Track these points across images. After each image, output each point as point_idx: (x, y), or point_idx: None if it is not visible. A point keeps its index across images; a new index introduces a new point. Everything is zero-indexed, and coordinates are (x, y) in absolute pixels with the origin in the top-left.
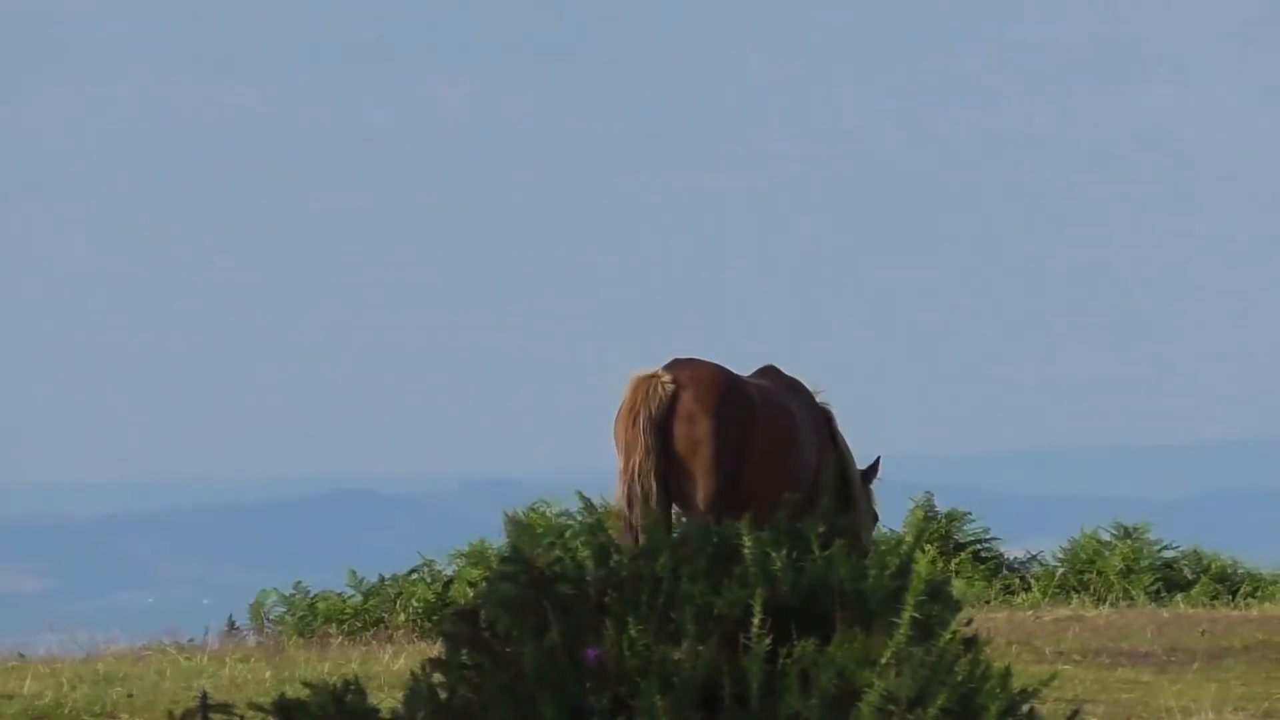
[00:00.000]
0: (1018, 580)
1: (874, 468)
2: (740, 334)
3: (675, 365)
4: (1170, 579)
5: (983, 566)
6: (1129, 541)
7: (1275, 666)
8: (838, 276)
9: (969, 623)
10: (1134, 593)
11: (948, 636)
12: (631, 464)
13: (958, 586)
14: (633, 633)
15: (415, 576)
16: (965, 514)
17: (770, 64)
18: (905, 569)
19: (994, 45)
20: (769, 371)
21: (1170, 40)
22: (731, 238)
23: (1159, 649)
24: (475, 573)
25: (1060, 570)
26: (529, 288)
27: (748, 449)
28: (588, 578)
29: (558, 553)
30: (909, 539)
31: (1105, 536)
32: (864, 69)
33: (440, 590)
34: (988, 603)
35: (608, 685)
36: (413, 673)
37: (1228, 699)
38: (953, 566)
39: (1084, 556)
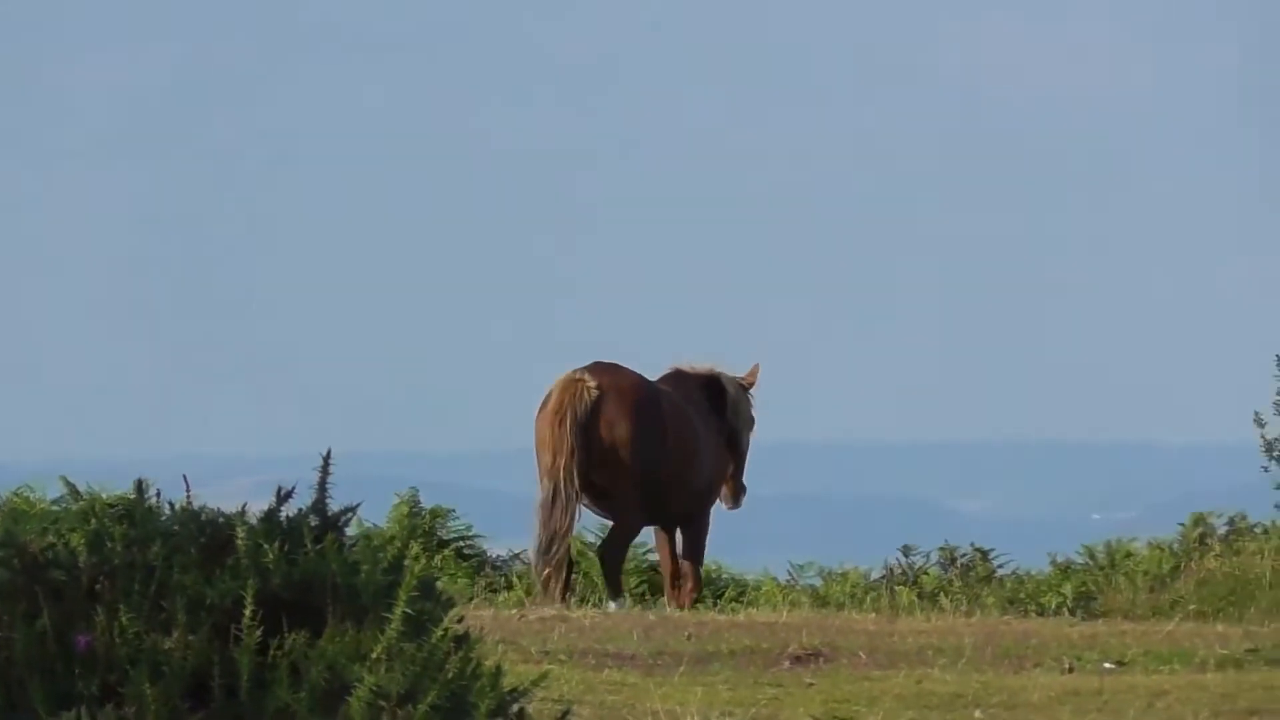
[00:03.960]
0: (501, 579)
1: (751, 374)
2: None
3: (598, 370)
4: (654, 581)
5: (466, 564)
6: None
7: (761, 672)
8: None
9: (460, 620)
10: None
11: (439, 633)
12: (557, 463)
13: (442, 584)
14: (124, 620)
15: None
16: (449, 510)
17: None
18: (397, 565)
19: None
20: (675, 377)
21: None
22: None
23: (645, 651)
24: None
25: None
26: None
27: (662, 452)
28: (80, 564)
29: (51, 539)
30: (400, 535)
31: (589, 538)
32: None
33: None
34: (471, 600)
35: (97, 672)
36: None
37: (715, 703)
38: (436, 563)
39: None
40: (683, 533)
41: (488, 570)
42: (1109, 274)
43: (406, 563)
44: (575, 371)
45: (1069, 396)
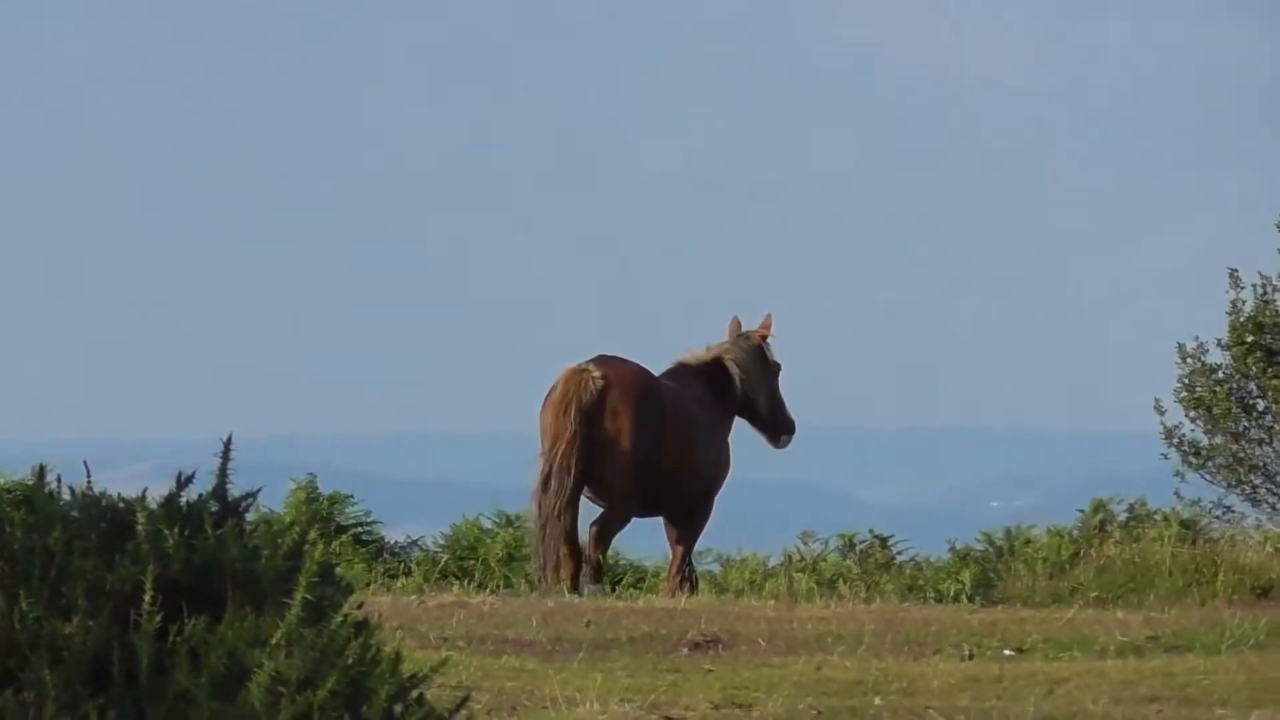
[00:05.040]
0: (399, 565)
1: (764, 325)
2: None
3: (602, 362)
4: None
5: (364, 550)
6: (510, 529)
7: (660, 658)
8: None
9: (360, 606)
10: (515, 580)
11: (339, 619)
12: (556, 448)
13: (341, 570)
14: (23, 606)
15: None
16: (347, 496)
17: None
18: (297, 550)
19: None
20: (678, 371)
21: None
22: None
23: (544, 638)
24: None
25: (444, 557)
26: None
27: (661, 443)
28: None
29: None
30: (299, 521)
31: (487, 524)
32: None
33: None
34: (368, 585)
35: None
36: None
37: (613, 689)
38: (334, 549)
39: (465, 543)
40: (683, 520)
41: (386, 556)
42: (1008, 264)
43: (306, 549)
44: (580, 363)
45: (968, 384)
